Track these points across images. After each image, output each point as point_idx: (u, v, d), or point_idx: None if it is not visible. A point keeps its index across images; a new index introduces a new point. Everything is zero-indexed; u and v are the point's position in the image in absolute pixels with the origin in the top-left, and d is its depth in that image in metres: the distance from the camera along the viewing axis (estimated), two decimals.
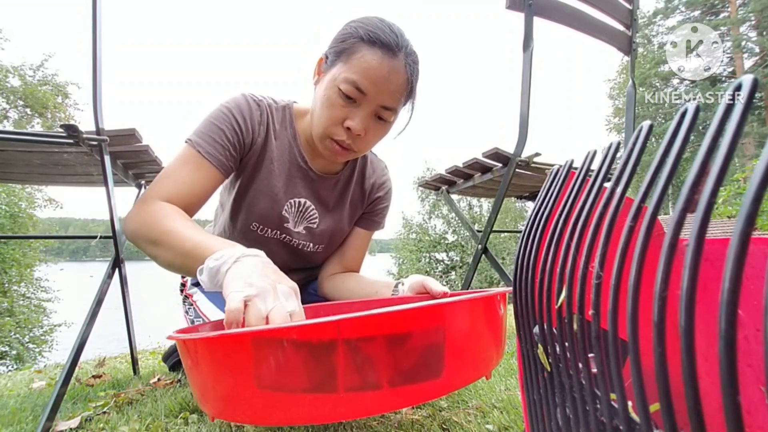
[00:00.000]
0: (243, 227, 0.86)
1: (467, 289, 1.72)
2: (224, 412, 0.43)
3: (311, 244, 0.91)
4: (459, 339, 0.44)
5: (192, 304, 0.94)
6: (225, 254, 0.52)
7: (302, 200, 0.87)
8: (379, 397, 0.40)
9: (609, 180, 0.29)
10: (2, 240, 7.75)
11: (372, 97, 0.70)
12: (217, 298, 0.93)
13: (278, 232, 0.87)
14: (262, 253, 0.54)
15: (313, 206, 0.89)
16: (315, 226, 0.90)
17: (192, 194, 0.71)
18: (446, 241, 13.92)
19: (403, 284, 0.83)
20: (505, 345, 0.53)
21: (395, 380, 0.40)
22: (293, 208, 0.87)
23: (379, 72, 0.69)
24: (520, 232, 0.42)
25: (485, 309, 0.47)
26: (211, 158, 0.73)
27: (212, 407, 0.44)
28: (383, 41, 0.69)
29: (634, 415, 0.22)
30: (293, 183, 0.85)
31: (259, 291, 0.46)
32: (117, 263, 1.00)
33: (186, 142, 0.74)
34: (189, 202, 0.70)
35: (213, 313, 0.87)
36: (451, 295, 0.74)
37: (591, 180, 0.31)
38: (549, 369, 0.34)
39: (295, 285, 0.51)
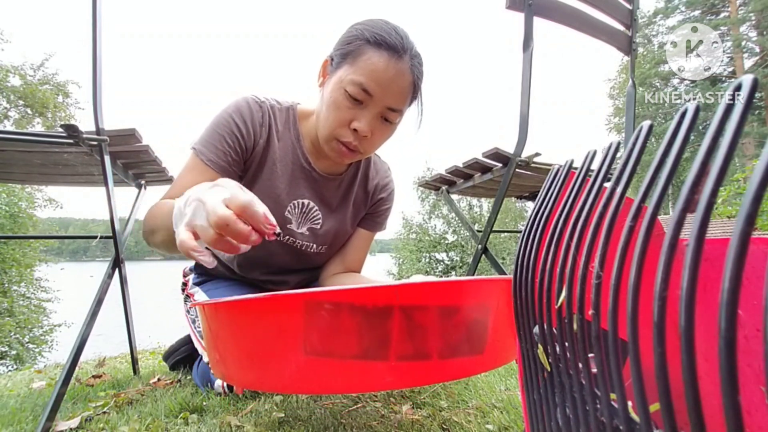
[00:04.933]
0: None
1: None
2: (260, 381, 0.42)
3: (314, 245, 0.91)
4: (501, 318, 0.45)
5: None
6: (176, 214, 0.54)
7: (305, 201, 0.87)
8: (428, 368, 0.39)
9: (609, 180, 0.29)
10: (2, 240, 7.75)
11: (378, 98, 0.71)
12: (219, 295, 0.93)
13: (281, 234, 0.87)
14: (199, 188, 0.52)
15: (316, 207, 0.89)
16: (318, 227, 0.90)
17: None
18: (446, 241, 13.92)
19: None
20: None
21: (444, 352, 0.40)
22: (296, 209, 0.87)
23: (386, 74, 0.69)
24: (520, 232, 0.42)
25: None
26: (213, 165, 0.75)
27: (244, 377, 0.43)
28: (389, 43, 0.69)
29: (634, 415, 0.22)
30: (296, 184, 0.85)
31: (192, 212, 0.47)
32: (117, 263, 1.00)
33: (191, 149, 0.77)
34: None
35: None
36: None
37: (591, 180, 0.31)
38: (549, 369, 0.34)
39: (223, 181, 0.50)
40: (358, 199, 0.95)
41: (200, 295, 0.96)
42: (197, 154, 0.75)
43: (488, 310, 0.43)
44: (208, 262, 0.46)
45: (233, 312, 0.43)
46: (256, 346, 0.41)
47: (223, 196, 0.46)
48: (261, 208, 0.45)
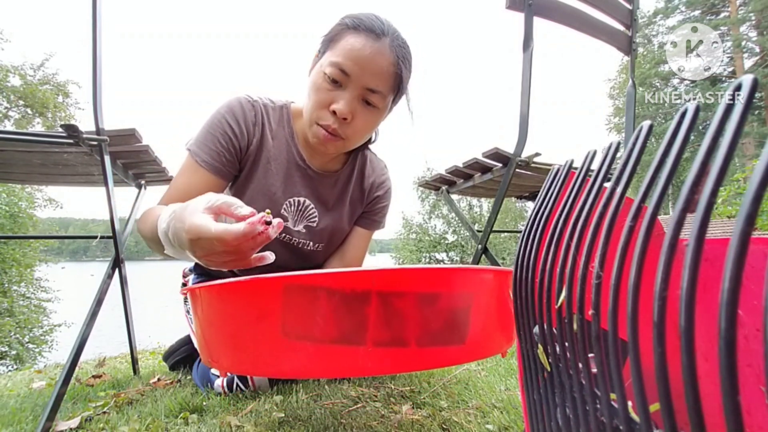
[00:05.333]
0: None
1: None
2: (242, 364, 0.42)
3: (311, 243, 0.91)
4: (484, 308, 0.44)
5: None
6: (165, 242, 0.57)
7: (301, 199, 0.87)
8: (406, 355, 0.39)
9: (609, 180, 0.29)
10: (2, 240, 7.74)
11: (356, 78, 0.71)
12: None
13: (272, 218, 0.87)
14: (168, 220, 0.56)
15: (312, 205, 0.89)
16: (315, 224, 0.90)
17: (188, 195, 0.74)
18: (446, 241, 13.92)
19: None
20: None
21: (423, 340, 0.40)
22: (292, 207, 0.87)
23: (362, 52, 0.70)
24: (520, 232, 0.42)
25: (507, 284, 0.47)
26: (206, 165, 0.76)
27: (228, 360, 0.43)
28: (367, 26, 0.70)
29: (634, 415, 0.22)
30: (292, 182, 0.85)
31: (205, 253, 0.49)
32: (117, 263, 1.00)
33: (187, 151, 0.78)
34: (185, 201, 0.74)
35: None
36: None
37: (591, 180, 0.31)
38: (549, 369, 0.34)
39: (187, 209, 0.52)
40: (355, 197, 0.95)
41: None
42: (192, 155, 0.77)
43: (470, 299, 0.42)
44: (268, 257, 0.53)
45: (216, 295, 0.43)
46: (237, 328, 0.41)
47: (218, 242, 0.48)
48: (242, 225, 0.48)
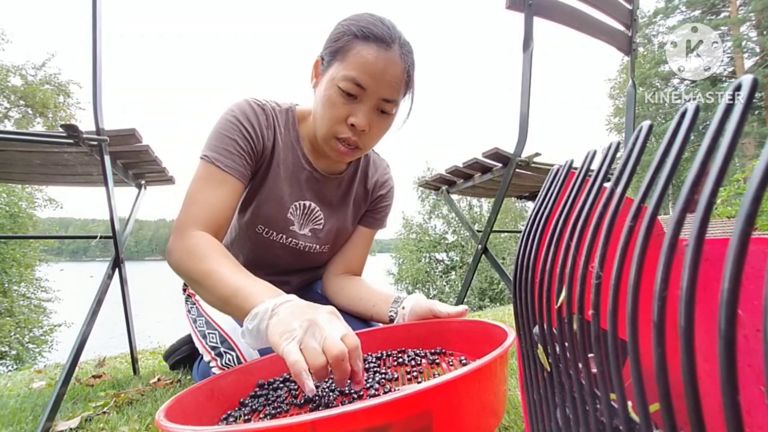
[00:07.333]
0: (249, 230, 0.86)
1: (466, 289, 1.72)
2: None
3: (317, 246, 0.91)
4: (450, 418, 0.39)
5: (195, 304, 0.93)
6: (260, 312, 0.54)
7: (307, 203, 0.87)
8: None
9: (609, 180, 0.29)
10: (2, 240, 7.75)
11: (372, 91, 0.71)
12: None
13: (283, 236, 0.87)
14: (293, 297, 0.56)
15: (318, 208, 0.89)
16: (320, 227, 0.90)
17: (221, 214, 0.72)
18: (446, 241, 13.92)
19: (403, 308, 0.77)
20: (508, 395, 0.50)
21: None
22: (298, 211, 0.87)
23: (376, 65, 0.69)
24: (520, 232, 0.42)
25: (480, 379, 0.41)
26: (231, 170, 0.73)
27: None
28: (377, 35, 0.69)
29: (634, 415, 0.22)
30: (298, 185, 0.85)
31: (305, 330, 0.49)
32: (117, 263, 1.00)
33: (202, 158, 0.74)
34: (220, 223, 0.72)
35: (215, 312, 0.87)
36: (463, 313, 0.71)
37: (591, 180, 0.31)
38: (549, 369, 0.34)
39: (332, 308, 0.53)
40: (358, 197, 0.95)
41: None
42: (212, 161, 0.73)
43: (430, 417, 0.38)
44: (312, 388, 0.44)
45: None
46: None
47: (339, 330, 0.49)
48: (361, 358, 0.48)
